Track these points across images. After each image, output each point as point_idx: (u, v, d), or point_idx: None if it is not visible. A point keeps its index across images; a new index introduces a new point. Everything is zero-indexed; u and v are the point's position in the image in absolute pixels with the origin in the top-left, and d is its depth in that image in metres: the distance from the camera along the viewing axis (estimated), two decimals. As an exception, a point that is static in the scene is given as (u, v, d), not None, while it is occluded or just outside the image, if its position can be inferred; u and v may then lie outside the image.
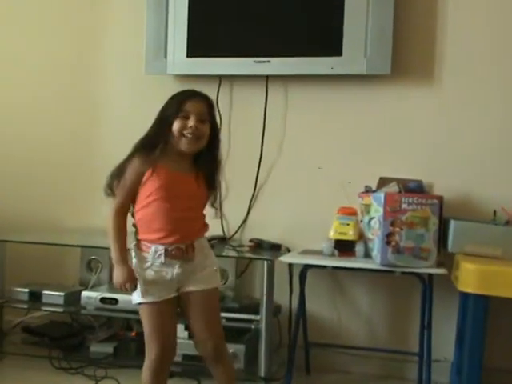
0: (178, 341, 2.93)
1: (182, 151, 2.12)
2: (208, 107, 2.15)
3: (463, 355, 2.55)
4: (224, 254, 3.05)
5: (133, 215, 2.19)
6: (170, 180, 2.10)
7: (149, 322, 2.15)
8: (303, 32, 3.14)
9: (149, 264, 2.12)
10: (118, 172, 2.15)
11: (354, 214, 2.93)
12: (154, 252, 2.11)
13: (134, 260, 2.16)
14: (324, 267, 2.90)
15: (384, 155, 3.17)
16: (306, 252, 2.98)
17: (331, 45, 3.08)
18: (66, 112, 3.62)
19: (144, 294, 2.13)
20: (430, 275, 2.79)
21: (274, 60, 3.15)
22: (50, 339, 3.26)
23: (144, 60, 3.30)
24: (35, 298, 3.21)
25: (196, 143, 2.11)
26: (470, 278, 2.38)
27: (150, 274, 2.12)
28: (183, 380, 2.95)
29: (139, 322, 3.14)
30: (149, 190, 2.10)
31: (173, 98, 2.16)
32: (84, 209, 3.57)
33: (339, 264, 2.84)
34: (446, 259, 2.74)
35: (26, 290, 3.23)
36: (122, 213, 2.15)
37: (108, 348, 3.19)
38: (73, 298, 3.20)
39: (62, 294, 3.19)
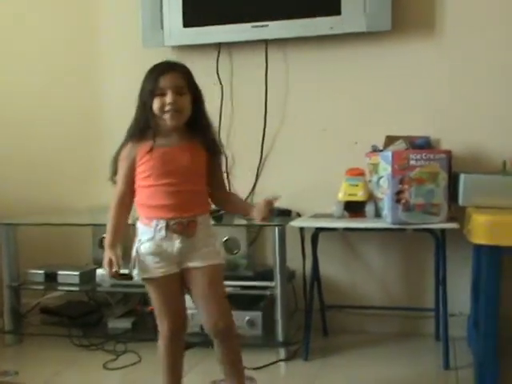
0: (196, 311, 2.99)
1: (171, 127, 2.11)
2: (183, 77, 2.10)
3: (479, 307, 2.55)
4: (234, 222, 3.06)
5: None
6: (162, 157, 2.08)
7: (155, 297, 2.15)
8: (300, -7, 3.10)
9: (150, 237, 2.10)
10: (114, 161, 2.16)
11: (362, 174, 2.92)
12: (155, 226, 2.09)
13: (137, 235, 2.15)
14: (335, 229, 2.90)
15: (389, 113, 3.14)
16: (316, 216, 2.98)
17: (329, 4, 3.03)
18: (67, 91, 3.60)
19: (147, 268, 2.12)
20: (443, 230, 2.78)
21: (272, 24, 3.11)
22: (68, 318, 3.30)
23: (141, 33, 3.27)
24: (51, 278, 3.23)
25: (178, 117, 2.08)
26: (482, 229, 2.37)
27: (148, 246, 2.10)
28: (203, 350, 2.98)
29: (154, 296, 3.21)
30: (144, 170, 2.09)
31: (146, 76, 2.13)
32: (92, 188, 3.56)
33: (350, 225, 2.84)
34: (458, 213, 2.73)
35: (41, 271, 3.25)
36: (122, 202, 2.14)
37: (126, 323, 3.21)
38: (88, 277, 3.22)
39: (77, 273, 3.20)
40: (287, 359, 2.85)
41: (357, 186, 2.87)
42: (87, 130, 3.60)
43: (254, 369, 2.72)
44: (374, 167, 2.84)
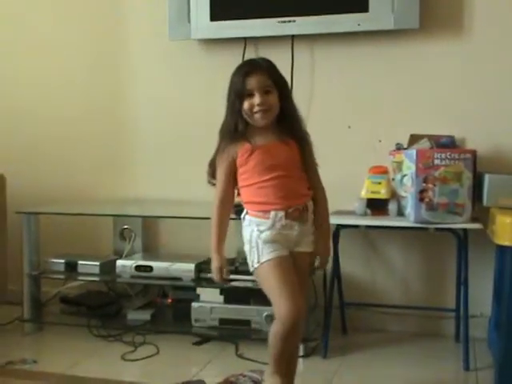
0: (214, 305, 3.01)
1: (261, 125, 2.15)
2: (269, 74, 2.13)
3: (501, 309, 2.54)
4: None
5: (238, 194, 2.23)
6: (263, 154, 2.11)
7: (273, 278, 2.09)
8: (328, -11, 3.09)
9: (269, 226, 2.12)
10: (212, 163, 2.21)
11: (386, 172, 2.91)
12: (274, 216, 2.11)
13: (246, 227, 2.18)
14: (357, 227, 2.89)
15: (414, 112, 3.12)
16: (338, 212, 2.96)
17: (357, 1, 3.02)
18: (93, 83, 3.62)
19: (265, 252, 2.11)
20: (465, 230, 2.75)
21: (299, 19, 3.10)
22: (87, 308, 3.31)
23: (167, 26, 3.27)
24: (71, 268, 3.25)
25: (268, 115, 2.12)
26: (507, 230, 2.35)
27: (271, 233, 2.12)
28: (221, 344, 2.98)
29: (175, 288, 3.23)
30: (247, 170, 2.13)
31: (232, 78, 2.16)
32: (114, 179, 3.59)
33: (372, 223, 2.83)
34: (481, 214, 2.71)
35: (62, 260, 3.26)
36: (225, 203, 2.19)
37: (145, 315, 3.22)
38: (108, 267, 3.23)
39: (98, 263, 3.22)
40: (305, 356, 2.84)
41: (380, 183, 2.87)
42: (111, 120, 3.61)
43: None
44: (398, 165, 2.82)
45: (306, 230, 2.17)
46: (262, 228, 2.13)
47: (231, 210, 2.23)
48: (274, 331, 2.12)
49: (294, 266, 2.14)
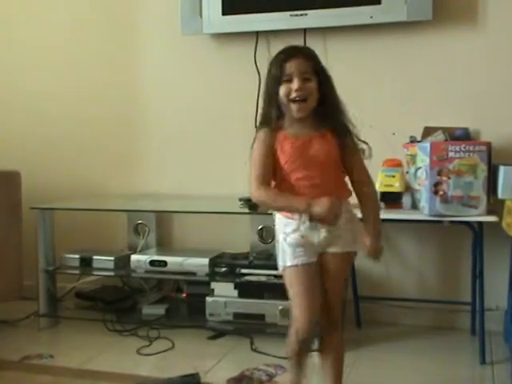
0: (229, 300, 3.01)
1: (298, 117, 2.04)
2: (309, 61, 2.02)
3: (517, 302, 2.52)
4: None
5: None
6: (299, 148, 2.01)
7: (295, 286, 2.06)
8: (340, -19, 3.07)
9: (294, 228, 2.03)
10: (251, 154, 2.07)
11: (400, 165, 2.89)
12: (299, 217, 2.02)
13: (276, 226, 2.10)
14: (371, 220, 2.88)
15: (428, 104, 3.10)
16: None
17: (369, -7, 3.01)
18: (106, 79, 3.63)
19: (289, 257, 2.05)
20: (480, 223, 2.73)
21: (311, 12, 3.09)
22: (102, 303, 3.32)
23: (180, 20, 3.27)
24: (86, 263, 3.27)
25: (305, 105, 2.00)
26: (523, 223, 2.33)
27: (295, 237, 2.04)
28: (235, 338, 2.98)
29: (189, 283, 3.24)
30: (281, 164, 2.02)
31: (271, 62, 2.06)
32: (128, 174, 3.60)
33: (386, 216, 2.80)
34: (496, 206, 2.69)
35: (77, 256, 3.29)
36: (264, 184, 2.03)
37: (160, 309, 3.23)
38: (122, 262, 3.24)
39: (112, 258, 3.24)
40: (320, 350, 2.83)
41: (394, 176, 2.85)
42: (127, 117, 3.62)
43: (286, 358, 2.71)
44: (412, 158, 2.81)
45: (341, 230, 2.04)
46: (287, 230, 2.05)
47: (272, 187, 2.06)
48: (290, 333, 2.10)
49: (324, 269, 2.07)
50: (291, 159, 2.01)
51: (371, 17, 3.02)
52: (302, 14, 3.10)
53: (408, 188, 2.85)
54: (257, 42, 3.26)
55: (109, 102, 3.64)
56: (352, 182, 2.10)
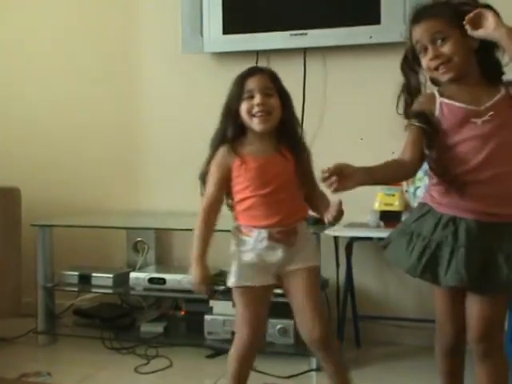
0: (227, 318, 3.00)
1: (260, 131, 2.04)
2: (271, 80, 2.05)
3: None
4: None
5: (231, 208, 2.14)
6: (260, 167, 2.02)
7: (242, 307, 2.08)
8: (340, 1, 3.10)
9: (250, 247, 2.05)
10: (203, 172, 2.12)
11: (399, 184, 2.89)
12: (256, 235, 2.03)
13: (233, 242, 2.10)
14: (370, 239, 2.88)
15: (427, 123, 3.11)
16: (351, 225, 2.96)
17: (369, 13, 3.03)
18: (107, 97, 3.64)
19: (240, 277, 2.06)
20: (480, 243, 2.73)
21: (311, 32, 3.11)
22: (100, 320, 3.31)
23: (180, 39, 3.29)
24: (85, 280, 3.26)
25: (268, 120, 2.02)
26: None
27: (250, 256, 2.05)
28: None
29: (188, 301, 3.23)
30: (243, 182, 2.04)
31: (233, 82, 2.09)
32: (127, 192, 3.60)
33: (385, 235, 2.80)
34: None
35: (76, 273, 3.27)
36: (211, 210, 2.08)
37: (158, 327, 3.22)
38: (121, 280, 3.24)
39: (111, 275, 3.23)
40: (318, 369, 2.83)
41: (393, 195, 2.86)
42: (126, 135, 3.63)
43: (285, 377, 2.71)
44: (411, 177, 2.81)
45: (296, 250, 2.06)
46: (242, 248, 2.06)
47: (218, 216, 2.10)
48: (231, 352, 2.14)
49: (293, 289, 2.07)
50: (255, 177, 2.02)
51: (371, 37, 3.04)
52: (301, 34, 3.12)
53: (407, 207, 2.85)
54: (257, 61, 3.27)
55: (109, 119, 3.65)
56: (310, 197, 2.13)
